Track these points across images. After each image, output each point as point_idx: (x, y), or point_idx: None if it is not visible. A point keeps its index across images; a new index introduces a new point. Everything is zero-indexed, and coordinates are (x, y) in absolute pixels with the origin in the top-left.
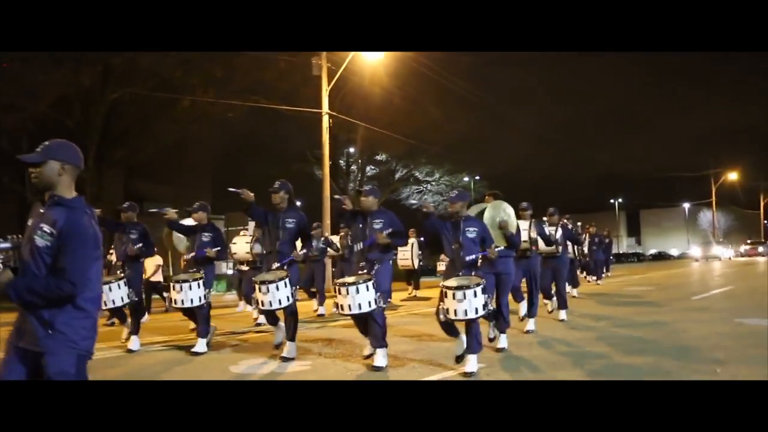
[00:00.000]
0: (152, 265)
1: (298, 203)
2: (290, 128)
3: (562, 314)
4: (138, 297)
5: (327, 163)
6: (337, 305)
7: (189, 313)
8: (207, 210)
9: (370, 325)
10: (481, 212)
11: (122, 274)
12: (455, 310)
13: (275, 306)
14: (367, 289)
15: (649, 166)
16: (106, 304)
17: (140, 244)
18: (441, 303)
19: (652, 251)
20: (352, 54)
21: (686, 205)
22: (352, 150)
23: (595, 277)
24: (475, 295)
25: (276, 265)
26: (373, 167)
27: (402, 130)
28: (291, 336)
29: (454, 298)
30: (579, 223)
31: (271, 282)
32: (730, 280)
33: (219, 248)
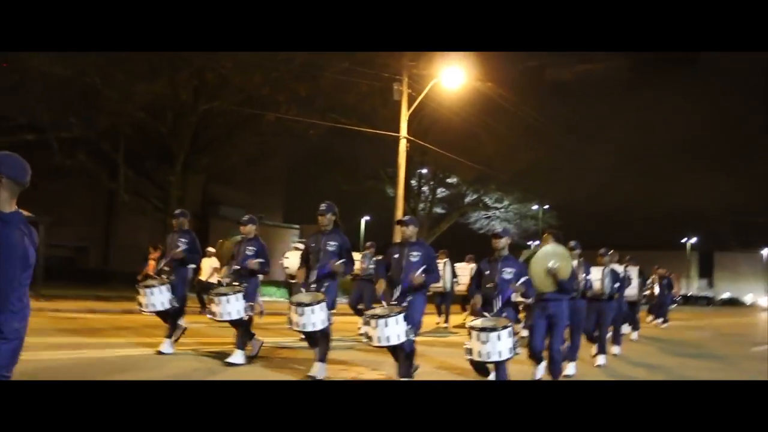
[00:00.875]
0: (208, 267)
1: (367, 218)
2: (365, 146)
3: (600, 359)
4: (180, 303)
5: (402, 184)
6: (366, 335)
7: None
8: (255, 223)
9: (398, 354)
10: (531, 256)
11: (166, 279)
12: (479, 351)
13: (309, 329)
14: (397, 323)
15: (727, 206)
16: (147, 307)
17: (185, 248)
18: (468, 341)
19: (725, 295)
20: (432, 82)
21: (765, 251)
22: (424, 171)
23: (661, 320)
24: (500, 339)
25: (313, 286)
26: (443, 189)
27: (474, 156)
28: (321, 356)
29: (478, 339)
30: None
31: (307, 305)
32: None
33: (262, 261)
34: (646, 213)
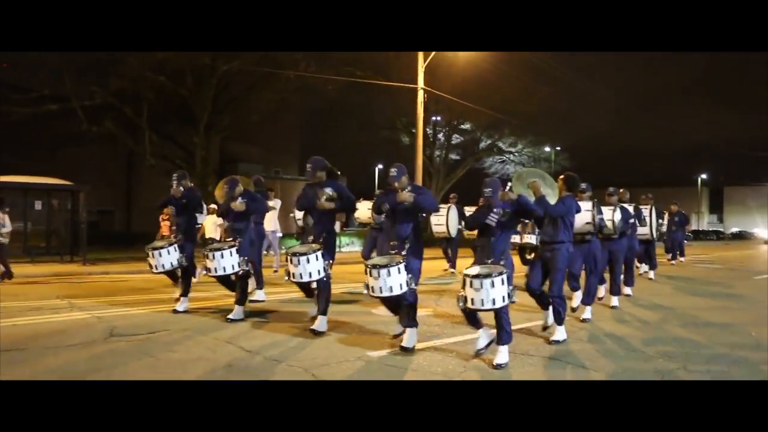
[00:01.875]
0: (212, 224)
1: (380, 166)
2: (379, 97)
3: (614, 300)
4: (189, 262)
5: (420, 134)
6: (367, 286)
7: (223, 281)
8: (236, 185)
9: (401, 304)
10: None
11: (174, 239)
12: (473, 299)
13: (305, 279)
14: (399, 272)
15: (737, 142)
16: (156, 268)
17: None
18: (462, 290)
19: (734, 230)
20: None
21: None
22: (438, 118)
23: (670, 256)
24: (493, 285)
25: (311, 238)
26: (457, 136)
27: (488, 102)
28: (322, 310)
29: (471, 286)
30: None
31: (303, 254)
32: None
33: (246, 201)
34: (657, 151)
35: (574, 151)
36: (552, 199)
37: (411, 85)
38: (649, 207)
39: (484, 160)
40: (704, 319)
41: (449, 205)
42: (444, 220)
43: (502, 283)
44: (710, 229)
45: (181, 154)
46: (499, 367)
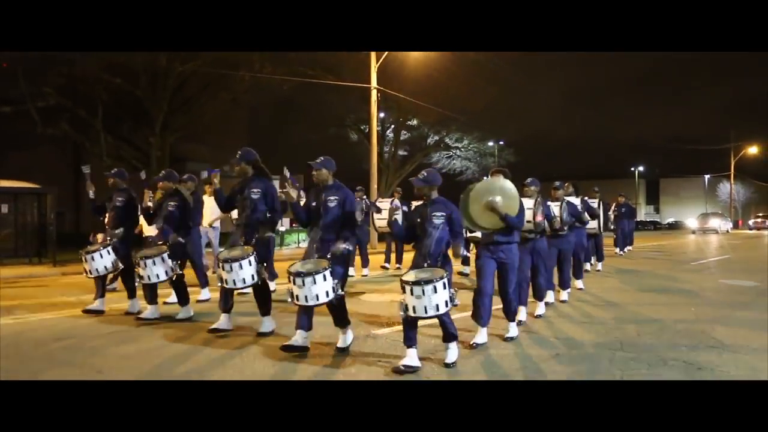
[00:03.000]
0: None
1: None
2: (329, 95)
3: (564, 294)
4: (125, 263)
5: (375, 131)
6: (291, 294)
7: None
8: (174, 179)
9: (330, 309)
10: (470, 191)
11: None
12: (414, 307)
13: (239, 285)
14: (325, 279)
15: (671, 136)
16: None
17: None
18: (402, 297)
19: (669, 220)
20: None
21: (706, 177)
22: (382, 115)
23: (618, 249)
24: (435, 291)
25: (243, 239)
26: (405, 132)
27: (436, 100)
28: (264, 311)
29: (412, 293)
30: (591, 197)
31: (234, 260)
32: (728, 251)
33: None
34: (597, 145)
35: (519, 146)
36: (515, 205)
37: (364, 85)
38: (597, 200)
39: (432, 156)
40: (650, 316)
41: (393, 199)
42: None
43: (444, 288)
44: (648, 220)
45: (135, 154)
46: (451, 365)
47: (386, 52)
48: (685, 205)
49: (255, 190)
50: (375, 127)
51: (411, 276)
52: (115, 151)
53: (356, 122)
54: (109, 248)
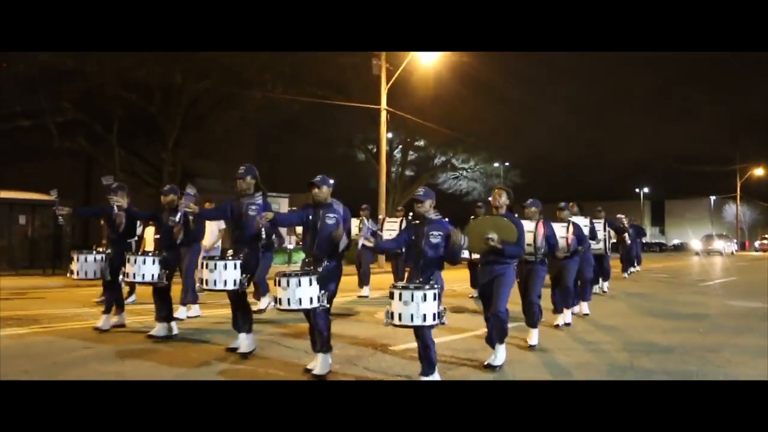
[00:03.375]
0: (151, 237)
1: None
2: (338, 114)
3: (566, 317)
4: (113, 274)
5: (384, 151)
6: (275, 298)
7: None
8: (176, 192)
9: (312, 326)
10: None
11: (103, 250)
12: (400, 314)
13: (219, 287)
14: (310, 284)
15: (676, 156)
16: (77, 274)
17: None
18: (389, 306)
19: (675, 242)
20: (409, 56)
21: (712, 198)
22: (389, 135)
23: (626, 272)
24: (425, 299)
25: (230, 252)
26: (412, 153)
27: (443, 121)
28: (246, 328)
29: (400, 299)
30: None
31: (220, 259)
32: (733, 273)
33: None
34: (600, 165)
35: (523, 168)
36: (512, 233)
37: (375, 106)
38: (602, 221)
39: (438, 176)
40: (657, 341)
41: (399, 218)
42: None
43: (434, 299)
44: (653, 241)
45: (147, 169)
46: (426, 377)
47: (396, 74)
48: (691, 227)
49: (253, 207)
50: (384, 147)
51: (402, 283)
52: (128, 166)
53: (364, 142)
54: (103, 255)
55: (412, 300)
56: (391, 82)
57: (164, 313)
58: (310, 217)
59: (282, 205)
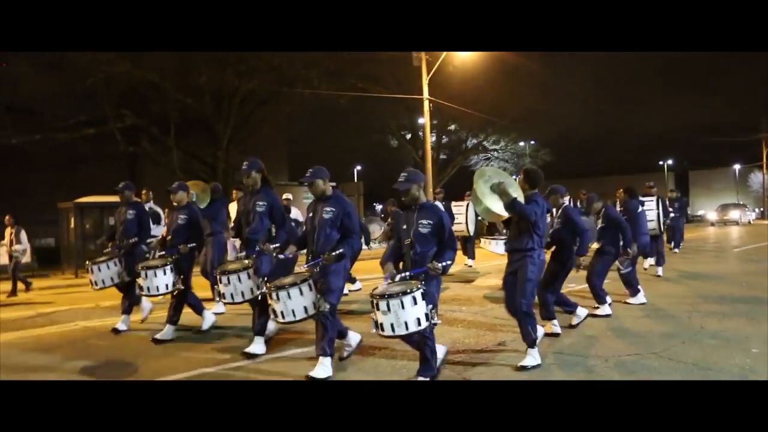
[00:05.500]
0: None
1: (358, 167)
2: (373, 103)
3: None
4: (130, 276)
5: (428, 139)
6: (270, 308)
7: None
8: (186, 189)
9: (317, 327)
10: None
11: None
12: (382, 324)
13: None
14: (301, 294)
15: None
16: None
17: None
18: (373, 314)
19: (700, 212)
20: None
21: (736, 167)
22: (421, 121)
23: (673, 244)
24: (403, 306)
25: (243, 253)
26: (445, 137)
27: (476, 105)
28: (257, 329)
29: (378, 308)
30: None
31: (232, 273)
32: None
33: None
34: (623, 139)
35: (550, 145)
36: (519, 192)
37: (417, 96)
38: (654, 198)
39: (471, 158)
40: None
41: (467, 202)
42: (464, 219)
43: (415, 303)
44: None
45: (202, 167)
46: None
47: (436, 65)
48: (717, 197)
49: (260, 203)
50: (429, 135)
51: (380, 289)
52: (185, 165)
53: (399, 129)
54: (116, 260)
55: (389, 309)
56: (431, 73)
57: (176, 318)
58: (311, 213)
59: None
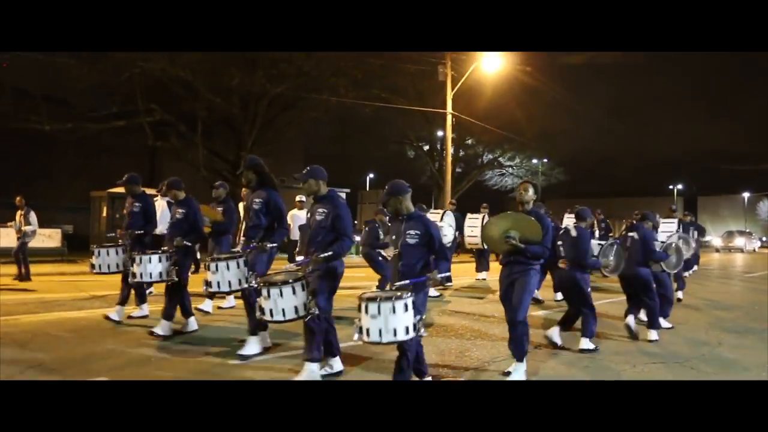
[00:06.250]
0: None
1: (371, 175)
2: (391, 114)
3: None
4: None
5: (450, 152)
6: (260, 308)
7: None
8: (180, 186)
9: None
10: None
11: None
12: (368, 329)
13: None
14: (294, 293)
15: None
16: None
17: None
18: (358, 319)
19: (707, 238)
20: (474, 65)
21: (745, 195)
22: (441, 134)
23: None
24: (394, 311)
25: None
26: (462, 151)
27: (494, 121)
28: (251, 329)
29: (366, 312)
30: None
31: (221, 260)
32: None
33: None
34: (633, 161)
35: (566, 165)
36: (535, 231)
37: (441, 110)
38: (675, 221)
39: (486, 173)
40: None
41: (445, 210)
42: (478, 231)
43: (406, 310)
44: None
45: (225, 166)
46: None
47: (461, 80)
48: (725, 224)
49: (257, 200)
50: (449, 148)
51: (369, 293)
52: (209, 163)
53: (417, 140)
54: (121, 248)
55: (379, 313)
56: (456, 88)
57: (170, 311)
58: (309, 214)
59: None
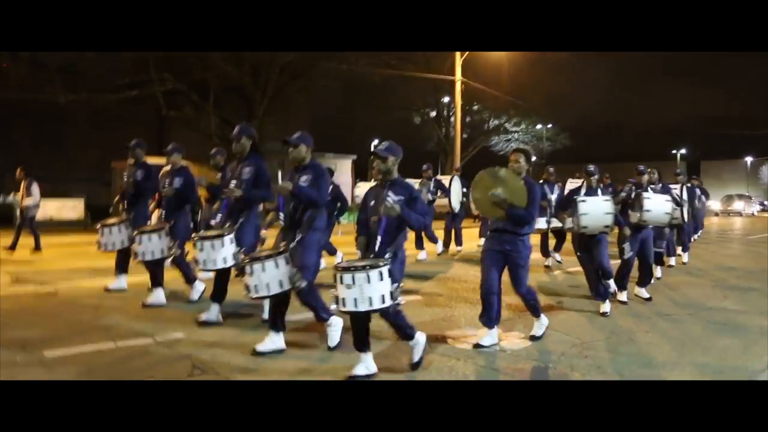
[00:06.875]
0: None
1: (375, 142)
2: (398, 80)
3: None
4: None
5: (458, 119)
6: (246, 286)
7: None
8: (180, 152)
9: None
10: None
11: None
12: (344, 299)
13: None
14: (277, 266)
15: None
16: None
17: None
18: (334, 289)
19: (708, 203)
20: None
21: (748, 159)
22: (446, 99)
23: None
24: (369, 280)
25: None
26: (468, 117)
27: (500, 87)
28: (214, 297)
29: (341, 282)
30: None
31: (207, 239)
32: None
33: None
34: (636, 127)
35: (570, 130)
36: (521, 196)
37: (449, 77)
38: (680, 184)
39: (492, 139)
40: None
41: (452, 176)
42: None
43: (381, 278)
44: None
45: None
46: (416, 367)
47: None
48: (728, 188)
49: (246, 170)
50: (459, 116)
51: (345, 263)
52: (221, 132)
53: (423, 106)
54: (126, 223)
55: (354, 283)
56: (465, 55)
57: (188, 277)
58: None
59: (345, 166)
